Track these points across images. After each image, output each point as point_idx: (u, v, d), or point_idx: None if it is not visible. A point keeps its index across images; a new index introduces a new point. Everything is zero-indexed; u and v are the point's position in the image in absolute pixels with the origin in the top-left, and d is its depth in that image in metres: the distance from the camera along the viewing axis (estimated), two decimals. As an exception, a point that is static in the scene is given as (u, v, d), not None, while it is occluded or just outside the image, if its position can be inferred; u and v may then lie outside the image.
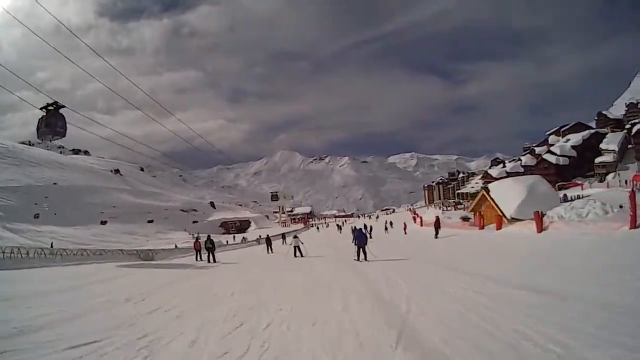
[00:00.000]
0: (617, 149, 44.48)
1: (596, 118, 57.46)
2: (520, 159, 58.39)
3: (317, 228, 61.38)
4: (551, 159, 47.40)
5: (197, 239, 20.53)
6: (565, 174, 45.02)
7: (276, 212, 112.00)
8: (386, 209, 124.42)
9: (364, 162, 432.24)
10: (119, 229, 57.84)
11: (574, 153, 47.08)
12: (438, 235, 18.68)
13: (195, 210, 78.32)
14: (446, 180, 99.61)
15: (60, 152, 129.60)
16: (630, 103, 53.75)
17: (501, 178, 64.43)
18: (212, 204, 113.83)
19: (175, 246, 33.69)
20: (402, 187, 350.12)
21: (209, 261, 15.89)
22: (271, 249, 21.02)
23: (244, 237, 46.11)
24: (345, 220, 78.11)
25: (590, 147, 46.37)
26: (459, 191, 73.83)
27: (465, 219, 24.20)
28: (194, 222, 72.76)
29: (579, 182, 44.00)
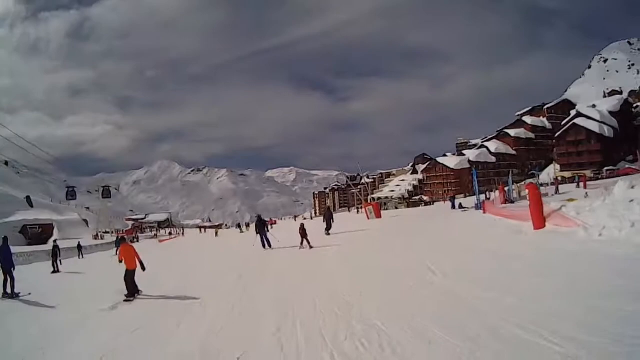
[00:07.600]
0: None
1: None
2: (484, 146, 37.31)
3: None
4: (591, 126, 26.63)
5: None
6: (612, 152, 24.64)
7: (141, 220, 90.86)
8: (270, 219, 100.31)
9: (242, 175, 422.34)
10: None
11: (615, 123, 27.65)
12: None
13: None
14: (344, 186, 76.61)
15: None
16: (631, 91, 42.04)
17: (463, 169, 43.36)
18: (28, 200, 64.29)
19: None
20: (280, 201, 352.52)
21: None
22: None
23: None
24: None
25: (629, 119, 27.75)
26: (374, 195, 49.60)
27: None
28: None
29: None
